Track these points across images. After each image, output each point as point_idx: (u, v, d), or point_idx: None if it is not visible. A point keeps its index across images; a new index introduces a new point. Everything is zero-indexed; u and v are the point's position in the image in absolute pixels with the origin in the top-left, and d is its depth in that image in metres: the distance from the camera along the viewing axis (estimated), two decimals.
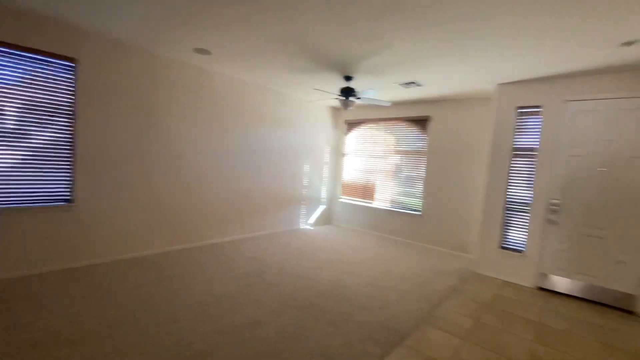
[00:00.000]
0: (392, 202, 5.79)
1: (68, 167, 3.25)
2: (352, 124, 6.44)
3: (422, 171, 5.40)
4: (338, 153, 6.66)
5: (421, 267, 4.18)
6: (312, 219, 6.34)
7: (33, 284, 2.89)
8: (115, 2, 2.52)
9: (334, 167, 6.67)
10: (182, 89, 4.04)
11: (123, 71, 3.53)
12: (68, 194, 3.27)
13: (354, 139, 6.43)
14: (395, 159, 5.75)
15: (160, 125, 3.88)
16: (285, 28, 2.79)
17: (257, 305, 2.78)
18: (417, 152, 5.49)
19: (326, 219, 6.64)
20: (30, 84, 2.98)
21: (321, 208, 6.53)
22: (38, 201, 3.10)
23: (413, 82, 4.19)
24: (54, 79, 3.11)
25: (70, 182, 3.28)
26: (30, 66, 2.97)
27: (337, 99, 4.24)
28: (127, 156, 3.64)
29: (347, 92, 4.07)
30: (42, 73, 3.03)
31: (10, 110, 2.90)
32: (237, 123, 4.74)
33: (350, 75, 4.04)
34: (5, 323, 2.25)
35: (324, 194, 6.56)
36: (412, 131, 5.57)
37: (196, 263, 3.73)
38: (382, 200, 5.94)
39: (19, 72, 2.92)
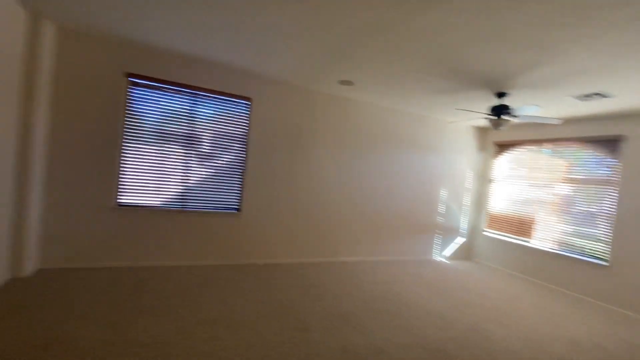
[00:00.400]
0: (560, 243, 4.60)
1: (240, 183, 4.07)
2: (503, 146, 5.59)
3: (609, 206, 4.11)
4: (484, 179, 5.86)
5: (605, 336, 3.09)
6: (448, 251, 5.73)
7: (209, 272, 3.68)
8: (281, 52, 3.06)
9: (477, 195, 5.89)
10: (325, 116, 4.48)
11: (282, 104, 4.21)
12: (238, 204, 4.07)
13: (506, 163, 5.54)
14: (566, 189, 4.60)
15: (306, 149, 4.39)
16: (431, 52, 2.72)
17: (383, 333, 2.66)
18: (600, 181, 4.23)
19: (465, 253, 5.87)
20: (220, 119, 3.92)
21: (459, 240, 5.83)
22: (218, 208, 3.98)
23: (597, 94, 3.30)
24: (235, 115, 4.00)
25: (240, 195, 4.07)
26: (220, 105, 3.92)
27: (486, 118, 3.77)
28: (280, 176, 4.27)
29: (500, 110, 3.57)
30: (228, 110, 3.95)
31: (206, 138, 3.88)
32: (373, 146, 4.85)
33: (503, 91, 3.54)
34: (185, 301, 2.93)
35: (463, 224, 5.85)
36: (592, 155, 4.35)
37: (328, 277, 3.93)
38: (544, 239, 4.81)
39: (213, 110, 3.89)
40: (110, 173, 3.44)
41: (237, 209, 4.07)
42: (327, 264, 4.51)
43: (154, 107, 3.61)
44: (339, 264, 4.58)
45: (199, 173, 3.87)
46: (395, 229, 5.17)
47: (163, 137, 3.67)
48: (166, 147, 3.69)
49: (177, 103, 3.71)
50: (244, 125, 4.04)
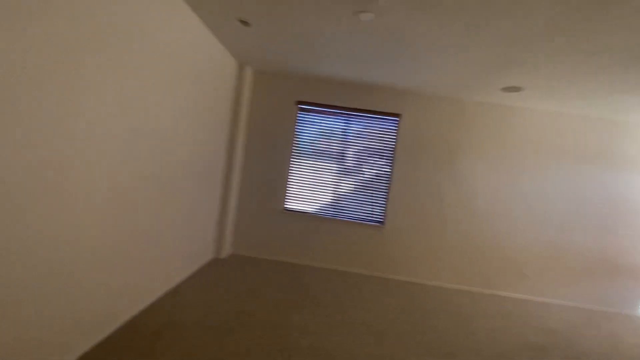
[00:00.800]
0: None
1: (384, 196, 4.16)
2: None
3: None
4: None
5: None
6: None
7: (353, 280, 3.88)
8: (438, 66, 3.00)
9: None
10: (482, 128, 4.06)
11: (432, 118, 4.08)
12: (382, 217, 4.17)
13: None
14: None
15: (458, 164, 4.08)
16: None
17: None
18: None
19: None
20: (369, 135, 4.15)
21: None
22: (364, 219, 4.18)
23: None
24: (384, 130, 4.14)
25: (384, 209, 4.16)
26: (370, 123, 4.15)
27: None
28: (427, 191, 4.11)
29: None
30: (377, 127, 4.14)
31: (355, 154, 4.17)
32: (547, 161, 4.04)
33: None
34: (333, 301, 3.16)
35: None
36: None
37: (480, 310, 3.46)
38: None
39: (363, 128, 4.15)
40: (281, 183, 4.17)
41: (381, 222, 4.16)
42: (478, 295, 3.98)
43: (314, 127, 4.18)
44: (495, 298, 3.96)
45: (347, 185, 4.19)
46: (577, 266, 4.08)
47: (319, 153, 4.18)
48: (321, 161, 4.19)
49: (332, 123, 4.17)
50: (392, 140, 4.14)
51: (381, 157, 4.16)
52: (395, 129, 4.13)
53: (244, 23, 2.68)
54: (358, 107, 4.11)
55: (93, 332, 2.02)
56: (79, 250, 1.81)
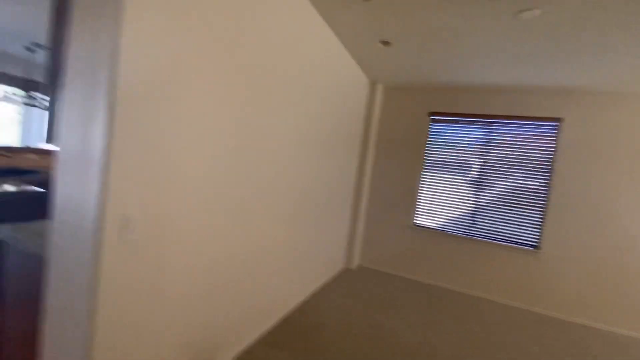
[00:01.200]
0: None
1: (539, 216, 3.52)
2: None
3: None
4: None
5: None
6: None
7: (492, 307, 3.39)
8: (609, 60, 2.40)
9: None
10: None
11: (608, 121, 3.27)
12: (536, 240, 3.54)
13: None
14: None
15: None
16: None
17: None
18: None
19: None
20: (517, 145, 3.60)
21: None
22: (509, 241, 3.63)
23: None
24: (536, 138, 3.54)
25: (539, 230, 3.52)
26: (519, 131, 3.60)
27: None
28: (601, 213, 3.29)
29: None
30: (528, 135, 3.57)
31: (499, 166, 3.67)
32: None
33: None
34: (477, 330, 2.82)
35: None
36: None
37: None
38: None
39: (509, 137, 3.63)
40: (411, 197, 4.06)
41: (535, 246, 3.53)
42: None
43: (448, 138, 3.92)
44: None
45: (488, 201, 3.74)
46: None
47: (454, 165, 3.88)
48: (457, 175, 3.87)
49: (470, 133, 3.82)
50: (549, 149, 3.50)
51: (533, 169, 3.56)
52: (553, 136, 3.48)
53: (385, 43, 2.75)
54: (503, 114, 3.65)
55: (256, 327, 2.37)
56: (247, 261, 2.16)
